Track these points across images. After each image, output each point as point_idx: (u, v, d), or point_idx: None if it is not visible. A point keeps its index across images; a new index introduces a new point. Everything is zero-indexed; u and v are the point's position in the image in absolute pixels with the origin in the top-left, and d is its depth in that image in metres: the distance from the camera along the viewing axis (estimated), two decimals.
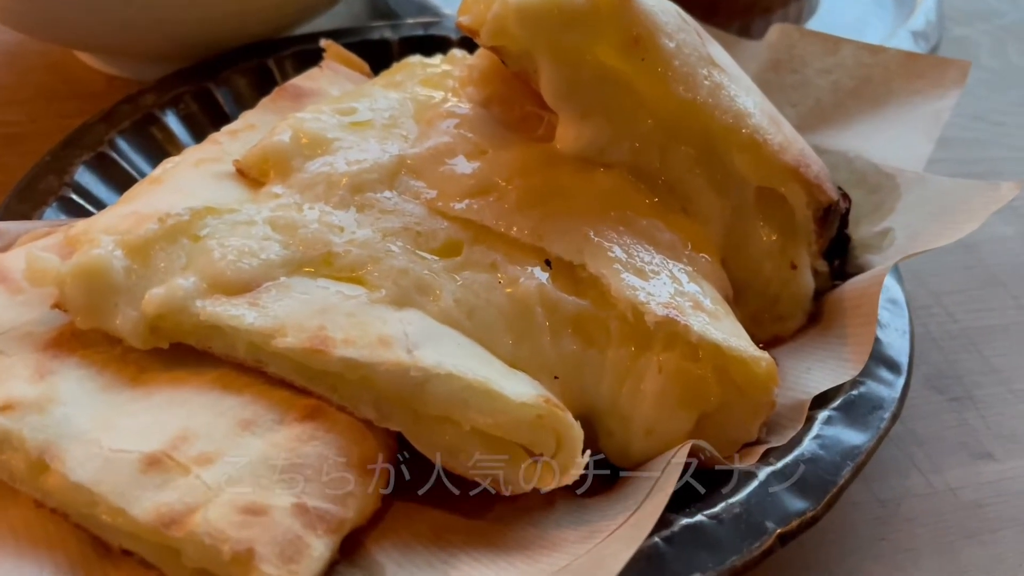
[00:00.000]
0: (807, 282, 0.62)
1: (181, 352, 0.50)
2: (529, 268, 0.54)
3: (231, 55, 0.80)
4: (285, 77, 0.80)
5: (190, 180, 0.57)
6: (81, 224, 0.54)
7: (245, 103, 0.77)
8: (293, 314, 0.49)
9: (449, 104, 0.64)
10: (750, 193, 0.60)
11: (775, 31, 0.76)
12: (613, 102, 0.58)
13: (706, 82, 0.58)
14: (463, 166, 0.59)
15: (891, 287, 0.62)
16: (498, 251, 0.55)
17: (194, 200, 0.54)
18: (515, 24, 0.55)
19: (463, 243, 0.55)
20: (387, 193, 0.57)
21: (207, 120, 0.76)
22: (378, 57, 0.83)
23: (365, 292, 0.51)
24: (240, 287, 0.50)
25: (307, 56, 0.80)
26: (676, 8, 0.60)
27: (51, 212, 0.64)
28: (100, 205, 0.67)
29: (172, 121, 0.75)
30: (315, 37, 0.83)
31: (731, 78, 0.60)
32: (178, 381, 0.49)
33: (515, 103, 0.63)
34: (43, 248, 0.53)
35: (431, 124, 0.62)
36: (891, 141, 0.69)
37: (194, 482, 0.44)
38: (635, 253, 0.56)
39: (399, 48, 0.84)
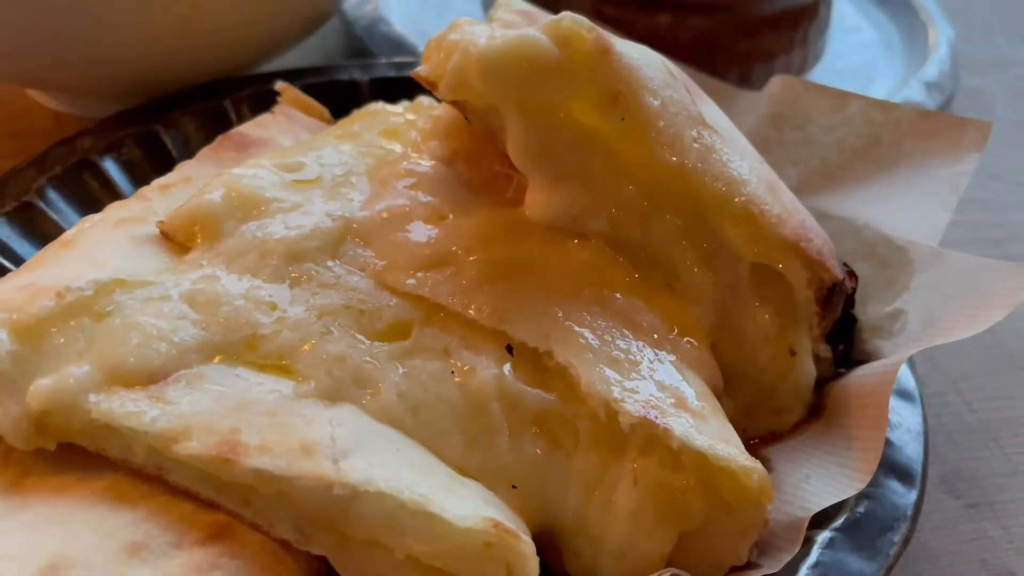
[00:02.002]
0: (808, 371, 0.55)
1: (72, 452, 0.42)
2: (487, 355, 0.47)
3: (183, 94, 0.74)
4: (241, 119, 0.73)
5: (105, 245, 0.50)
6: None
7: (195, 148, 0.71)
8: (203, 412, 0.42)
9: (408, 160, 0.57)
10: (744, 269, 0.53)
11: (777, 83, 0.69)
12: (589, 166, 0.51)
13: (695, 145, 0.52)
14: (418, 233, 0.52)
15: (903, 376, 0.55)
16: (453, 334, 0.48)
17: (103, 271, 0.47)
18: (478, 77, 0.48)
19: (413, 324, 0.48)
20: (330, 263, 0.50)
21: (151, 167, 0.69)
22: (347, 99, 0.76)
23: (292, 384, 0.44)
24: (145, 377, 0.43)
25: (267, 97, 0.73)
26: (663, 61, 0.54)
27: None
28: (21, 263, 0.60)
29: (111, 168, 0.68)
30: (280, 76, 0.76)
31: (724, 140, 0.53)
32: (62, 489, 0.41)
33: (482, 161, 0.56)
34: None
35: (386, 183, 0.55)
36: (904, 209, 0.62)
37: None
38: (610, 339, 0.48)
39: (369, 90, 0.78)
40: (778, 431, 0.55)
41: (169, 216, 0.52)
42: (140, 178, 0.68)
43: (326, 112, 0.69)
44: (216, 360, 0.45)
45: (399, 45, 0.89)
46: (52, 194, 0.65)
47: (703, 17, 0.81)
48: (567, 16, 0.49)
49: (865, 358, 0.56)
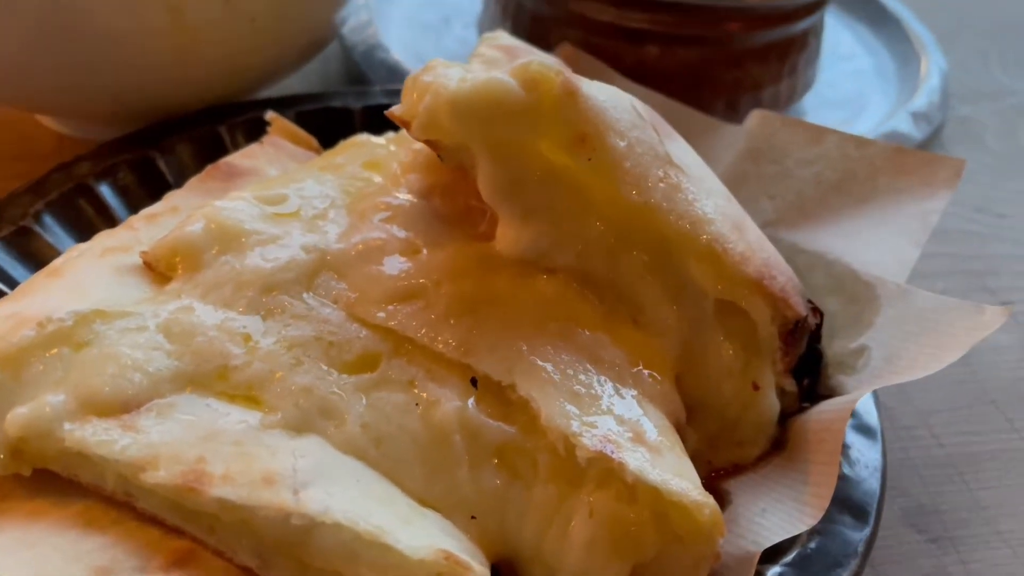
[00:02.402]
0: (771, 405, 0.56)
1: (47, 478, 0.44)
2: (452, 387, 0.49)
3: (181, 120, 0.76)
4: (236, 146, 0.75)
5: (89, 275, 0.52)
6: None
7: (189, 174, 0.73)
8: (172, 442, 0.43)
9: (387, 194, 0.59)
10: (709, 305, 0.55)
11: (755, 117, 0.71)
12: (557, 203, 0.53)
13: (661, 184, 0.53)
14: (391, 266, 0.54)
15: (866, 411, 0.56)
16: (420, 366, 0.50)
17: (84, 301, 0.49)
18: (448, 117, 0.50)
19: (381, 356, 0.50)
20: (304, 295, 0.52)
21: (145, 193, 0.71)
22: (340, 126, 0.78)
23: (260, 415, 0.46)
24: (118, 407, 0.45)
25: (262, 124, 0.75)
26: (632, 102, 0.55)
27: None
28: (16, 287, 0.62)
29: (107, 193, 0.70)
30: (275, 103, 0.78)
31: (691, 179, 0.55)
32: (37, 513, 0.43)
33: (458, 195, 0.58)
34: None
35: (364, 216, 0.57)
36: (874, 245, 0.63)
37: None
38: (573, 373, 0.50)
39: (361, 117, 0.79)
40: (741, 463, 0.56)
41: (152, 247, 0.54)
42: (135, 203, 0.70)
43: (314, 141, 0.71)
44: (188, 390, 0.46)
45: (395, 71, 0.91)
46: (48, 219, 0.67)
47: (690, 49, 0.83)
48: (536, 60, 0.51)
49: (829, 393, 0.57)
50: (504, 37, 0.70)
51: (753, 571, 0.47)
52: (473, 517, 0.47)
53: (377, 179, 0.61)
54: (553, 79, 0.50)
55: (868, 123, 0.93)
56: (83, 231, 0.67)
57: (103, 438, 0.43)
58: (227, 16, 0.70)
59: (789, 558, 0.48)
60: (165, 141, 0.74)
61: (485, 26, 0.96)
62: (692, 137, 0.74)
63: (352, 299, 0.52)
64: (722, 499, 0.53)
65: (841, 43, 1.09)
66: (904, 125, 0.90)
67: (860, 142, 0.68)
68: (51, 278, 0.52)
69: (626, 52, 0.83)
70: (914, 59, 1.01)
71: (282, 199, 0.57)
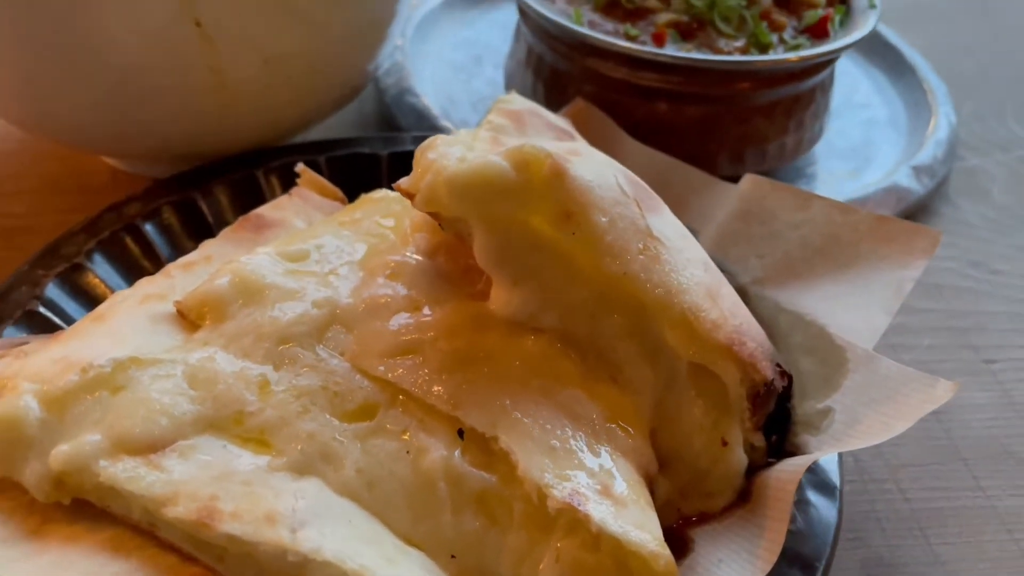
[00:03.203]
0: (738, 459, 0.60)
1: (84, 506, 0.51)
2: (440, 437, 0.55)
3: (223, 163, 0.83)
4: (271, 189, 0.83)
5: (128, 322, 0.59)
6: (16, 364, 0.56)
7: (226, 216, 0.80)
8: (190, 480, 0.50)
9: (396, 252, 0.65)
10: (682, 367, 0.60)
11: (747, 181, 0.75)
12: (545, 270, 0.59)
13: (640, 256, 0.58)
14: (394, 322, 0.60)
15: (826, 469, 0.60)
16: (413, 416, 0.56)
17: (123, 348, 0.56)
18: (447, 195, 0.56)
19: (379, 406, 0.56)
20: (316, 348, 0.58)
21: (186, 232, 0.78)
22: (367, 172, 0.85)
23: (268, 458, 0.52)
24: (147, 446, 0.51)
25: (294, 169, 0.82)
26: (618, 178, 0.60)
27: (11, 331, 0.66)
28: (69, 320, 0.69)
29: (152, 232, 0.77)
30: (308, 148, 0.85)
31: (670, 250, 0.60)
32: (73, 538, 0.50)
33: (460, 255, 0.64)
34: None
35: (373, 273, 0.63)
36: (850, 309, 0.67)
37: None
38: (551, 428, 0.55)
39: (388, 163, 0.86)
40: (708, 512, 0.61)
41: (184, 297, 0.61)
42: (176, 241, 0.78)
43: (340, 193, 0.78)
44: (208, 432, 0.53)
45: (422, 116, 0.97)
46: (99, 256, 0.74)
47: (698, 105, 0.87)
48: (528, 144, 0.56)
49: (794, 450, 0.62)
50: (516, 100, 0.75)
51: None
52: (453, 556, 0.53)
53: (391, 236, 0.67)
54: (543, 161, 0.56)
55: (874, 175, 0.97)
56: (128, 267, 0.75)
57: (132, 475, 0.50)
58: (265, 76, 0.76)
59: None
60: (206, 184, 0.81)
61: (510, 70, 1.01)
62: (691, 193, 0.80)
63: (357, 352, 0.58)
64: (686, 546, 0.58)
65: (858, 90, 1.12)
66: (906, 179, 0.93)
67: (845, 209, 0.72)
68: (96, 323, 0.59)
69: (637, 107, 0.87)
70: (926, 110, 1.04)
71: (301, 255, 0.64)
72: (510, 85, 1.01)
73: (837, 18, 0.90)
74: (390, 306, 0.61)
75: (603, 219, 0.57)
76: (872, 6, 0.91)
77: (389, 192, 0.73)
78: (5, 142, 0.96)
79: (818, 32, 0.88)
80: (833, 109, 1.05)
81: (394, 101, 1.00)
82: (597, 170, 0.59)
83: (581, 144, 0.70)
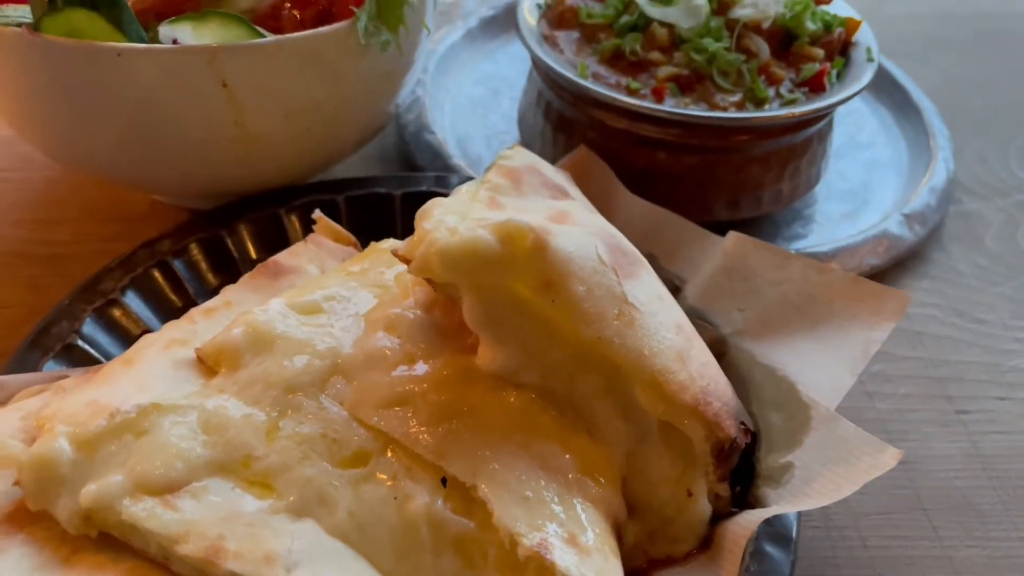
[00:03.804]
0: (701, 509, 0.66)
1: (108, 538, 0.58)
2: (425, 484, 0.61)
3: (247, 202, 0.89)
4: (291, 226, 0.89)
5: (153, 367, 0.66)
6: (55, 404, 0.63)
7: (249, 252, 0.87)
8: (201, 520, 0.57)
9: (396, 305, 0.71)
10: (653, 423, 0.65)
11: (731, 238, 0.80)
12: (527, 332, 0.64)
13: (615, 321, 0.63)
14: (390, 374, 0.66)
15: (784, 520, 0.65)
16: (402, 464, 0.62)
17: (147, 394, 0.62)
18: (438, 265, 0.62)
19: (372, 454, 0.62)
20: (320, 397, 0.64)
21: (212, 267, 0.85)
22: (382, 210, 0.91)
23: (271, 501, 0.59)
24: (163, 487, 0.58)
25: (312, 207, 0.88)
26: (597, 248, 0.65)
27: (52, 364, 0.73)
28: (104, 351, 0.77)
29: (180, 267, 0.84)
30: (328, 186, 0.91)
31: (644, 315, 0.65)
32: (99, 567, 0.57)
33: (454, 310, 0.69)
34: (24, 416, 0.63)
35: (375, 326, 0.69)
36: (819, 367, 0.71)
37: None
38: (526, 479, 0.61)
39: (400, 203, 0.92)
40: (673, 556, 0.66)
41: (204, 345, 0.67)
42: (201, 276, 0.85)
43: (353, 238, 0.84)
44: (218, 475, 0.60)
45: (437, 154, 1.03)
46: (131, 292, 0.81)
47: (695, 155, 0.92)
48: (512, 219, 0.62)
49: (755, 502, 0.67)
50: (516, 156, 0.80)
51: None
52: None
53: (393, 288, 0.73)
54: (527, 235, 0.62)
55: (869, 218, 1.01)
56: (158, 302, 0.82)
57: (150, 514, 0.56)
58: (286, 127, 0.83)
59: None
60: (232, 222, 0.88)
61: (523, 110, 1.06)
62: (683, 243, 0.84)
63: (355, 401, 0.64)
64: None
65: (863, 129, 1.15)
66: (896, 227, 0.97)
67: (821, 268, 0.76)
68: (125, 367, 0.66)
69: (638, 155, 0.92)
70: (927, 153, 1.07)
71: (311, 307, 0.70)
72: (522, 123, 1.06)
73: (834, 72, 0.94)
74: (387, 358, 0.66)
75: (581, 288, 0.63)
76: (870, 59, 0.94)
77: (396, 242, 0.79)
78: (52, 169, 1.03)
79: (815, 86, 0.92)
80: (836, 148, 1.09)
81: (412, 138, 1.05)
82: (579, 241, 0.65)
83: (574, 204, 0.76)
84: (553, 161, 0.93)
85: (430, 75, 1.15)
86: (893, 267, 0.96)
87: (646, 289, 0.68)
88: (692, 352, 0.67)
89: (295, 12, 0.82)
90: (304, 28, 0.83)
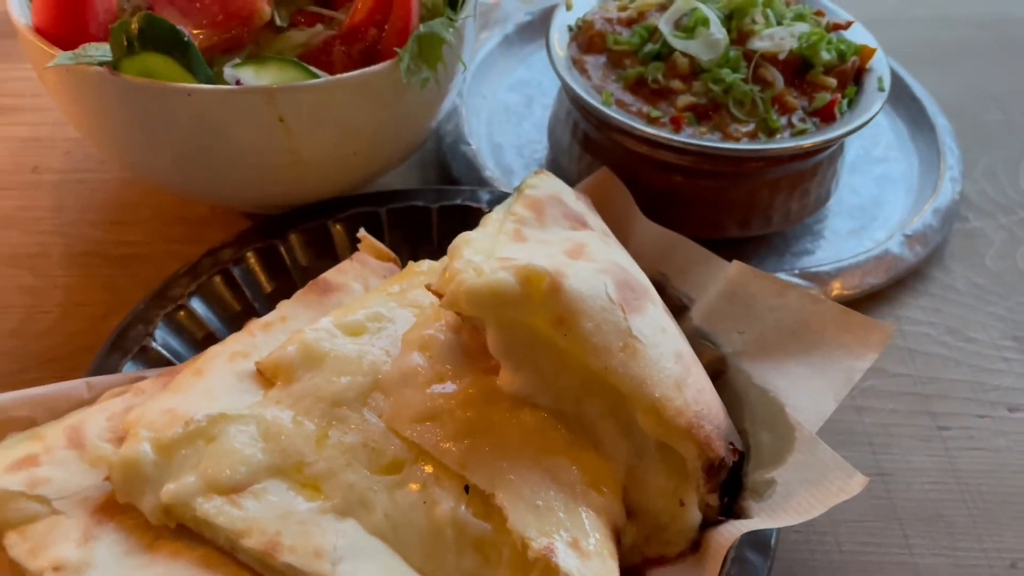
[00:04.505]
0: (692, 517, 0.75)
1: (185, 528, 0.69)
2: (450, 491, 0.71)
3: (299, 213, 0.99)
4: (338, 236, 0.98)
5: (219, 379, 0.76)
6: (137, 410, 0.74)
7: (301, 259, 0.97)
8: (262, 517, 0.67)
9: (430, 326, 0.80)
10: (651, 442, 0.74)
11: (734, 267, 0.87)
12: (542, 361, 0.73)
13: (620, 353, 0.72)
14: (422, 391, 0.75)
15: (766, 533, 0.74)
16: (431, 472, 0.72)
17: (215, 404, 0.73)
18: (465, 302, 0.71)
19: (406, 462, 0.72)
20: (362, 410, 0.74)
21: (268, 275, 0.95)
22: (419, 223, 1.00)
23: (319, 502, 0.69)
24: (230, 488, 0.69)
25: (361, 219, 0.98)
26: (607, 287, 0.74)
27: (130, 365, 0.84)
28: (174, 352, 0.87)
29: (239, 274, 0.94)
30: (371, 199, 1.00)
31: (647, 346, 0.74)
32: (177, 553, 0.68)
33: (480, 334, 0.78)
34: (110, 416, 0.74)
35: (410, 346, 0.78)
36: (807, 391, 0.79)
37: None
38: (538, 489, 0.71)
39: (437, 216, 1.00)
40: (666, 556, 0.76)
41: (263, 360, 0.77)
42: (256, 282, 0.95)
43: (393, 255, 0.93)
44: (276, 478, 0.70)
45: (471, 165, 1.11)
46: (197, 297, 0.92)
47: (710, 180, 0.99)
48: (531, 264, 0.71)
49: (741, 512, 0.76)
50: (541, 185, 0.88)
51: None
52: None
53: (428, 309, 0.82)
54: (543, 278, 0.70)
55: (874, 235, 1.07)
56: (220, 306, 0.92)
57: (219, 511, 0.67)
58: (334, 153, 0.91)
59: None
60: (284, 232, 0.97)
61: (552, 123, 1.14)
62: (692, 265, 0.92)
63: (392, 415, 0.74)
64: None
65: (879, 143, 1.20)
66: (897, 247, 1.03)
67: (815, 298, 0.84)
68: (195, 377, 0.77)
69: (656, 178, 1.00)
70: (935, 172, 1.13)
71: (355, 327, 0.79)
72: (552, 136, 1.14)
73: (846, 101, 1.00)
74: (420, 376, 0.76)
75: (590, 324, 0.71)
76: (881, 89, 1.00)
77: (431, 263, 0.88)
78: (123, 170, 1.13)
79: (825, 116, 0.98)
80: (852, 163, 1.15)
81: (449, 149, 1.13)
82: (590, 281, 0.73)
83: (591, 236, 0.84)
84: (578, 176, 1.02)
85: (467, 84, 1.22)
86: (893, 284, 1.02)
87: (650, 322, 0.76)
88: (689, 380, 0.76)
89: (344, 48, 0.90)
90: (352, 62, 0.91)
